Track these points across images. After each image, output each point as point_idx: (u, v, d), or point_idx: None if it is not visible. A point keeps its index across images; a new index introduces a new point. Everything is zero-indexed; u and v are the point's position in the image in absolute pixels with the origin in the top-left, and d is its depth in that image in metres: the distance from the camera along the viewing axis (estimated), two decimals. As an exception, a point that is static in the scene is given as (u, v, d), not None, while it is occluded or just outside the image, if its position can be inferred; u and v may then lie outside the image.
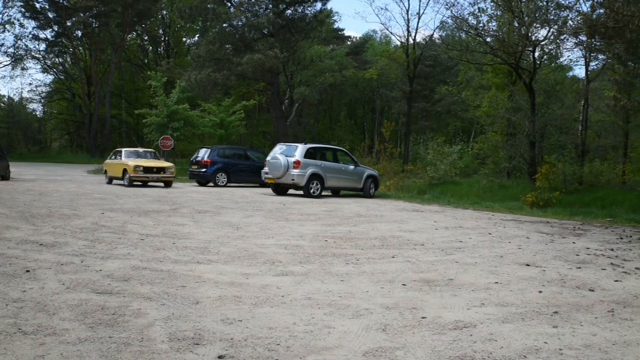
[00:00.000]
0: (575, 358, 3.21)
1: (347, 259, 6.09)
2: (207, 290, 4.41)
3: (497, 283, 5.14)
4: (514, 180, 20.13)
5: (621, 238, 8.99)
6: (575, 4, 16.81)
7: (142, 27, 42.49)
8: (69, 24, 37.06)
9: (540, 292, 4.83)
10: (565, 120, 20.92)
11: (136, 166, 16.34)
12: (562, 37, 17.82)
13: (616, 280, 5.46)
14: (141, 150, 19.26)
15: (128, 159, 17.39)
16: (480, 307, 4.24)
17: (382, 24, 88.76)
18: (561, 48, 20.22)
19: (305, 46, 33.52)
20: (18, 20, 39.18)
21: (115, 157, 18.20)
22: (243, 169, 19.60)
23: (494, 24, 19.37)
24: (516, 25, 18.01)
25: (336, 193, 17.32)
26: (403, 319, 3.85)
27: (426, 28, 78.60)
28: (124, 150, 18.46)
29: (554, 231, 9.61)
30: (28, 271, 4.78)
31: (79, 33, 39.80)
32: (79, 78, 41.64)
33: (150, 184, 17.55)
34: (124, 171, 16.65)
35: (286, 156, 15.46)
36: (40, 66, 43.59)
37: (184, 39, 48.29)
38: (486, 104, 22.78)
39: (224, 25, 30.14)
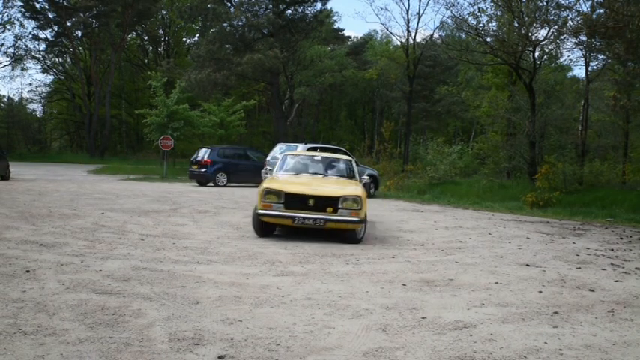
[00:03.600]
0: (575, 358, 3.21)
1: (347, 259, 6.08)
2: (207, 290, 4.41)
3: (497, 283, 5.14)
4: (514, 180, 20.11)
5: (621, 238, 8.98)
6: (575, 4, 16.78)
7: (142, 27, 42.47)
8: (69, 24, 36.99)
9: (540, 292, 4.83)
10: (565, 120, 20.88)
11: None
12: (562, 37, 17.78)
13: (616, 280, 5.46)
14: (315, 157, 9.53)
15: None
16: (480, 307, 4.24)
17: (382, 24, 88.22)
18: (561, 48, 20.16)
19: (305, 46, 33.51)
20: (18, 20, 39.12)
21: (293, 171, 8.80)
22: (243, 169, 19.57)
23: (494, 24, 19.35)
24: (516, 25, 17.98)
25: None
26: (403, 319, 3.84)
27: (426, 28, 78.30)
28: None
29: (554, 231, 9.61)
30: (28, 271, 4.78)
31: (79, 33, 39.73)
32: (79, 78, 41.61)
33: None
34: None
35: (286, 156, 15.46)
36: (40, 66, 43.58)
37: (184, 39, 48.30)
38: (486, 104, 22.75)
39: (224, 25, 30.15)
